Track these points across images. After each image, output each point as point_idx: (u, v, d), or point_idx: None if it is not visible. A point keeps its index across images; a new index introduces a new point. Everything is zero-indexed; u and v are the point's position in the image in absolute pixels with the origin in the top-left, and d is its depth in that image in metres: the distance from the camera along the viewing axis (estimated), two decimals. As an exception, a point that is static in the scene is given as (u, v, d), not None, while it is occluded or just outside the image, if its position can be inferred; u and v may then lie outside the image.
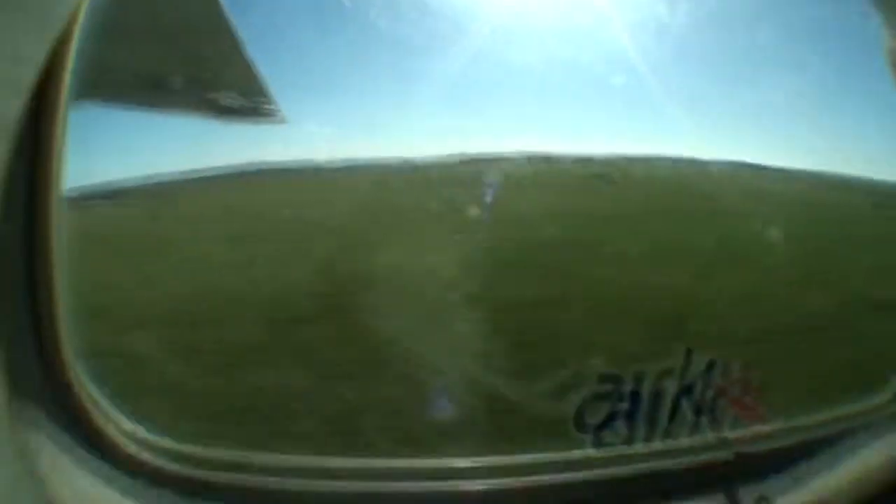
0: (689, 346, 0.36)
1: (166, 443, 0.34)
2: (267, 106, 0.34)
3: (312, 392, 0.35)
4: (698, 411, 0.37)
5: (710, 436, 0.37)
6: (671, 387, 0.36)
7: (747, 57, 0.48)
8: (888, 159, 0.52)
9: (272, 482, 0.34)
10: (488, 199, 0.36)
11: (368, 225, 0.35)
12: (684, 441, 0.37)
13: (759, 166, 0.47)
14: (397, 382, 0.36)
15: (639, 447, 0.36)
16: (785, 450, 0.39)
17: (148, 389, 0.35)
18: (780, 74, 0.48)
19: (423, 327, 0.35)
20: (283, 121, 0.35)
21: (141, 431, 0.34)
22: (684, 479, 0.37)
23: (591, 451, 0.35)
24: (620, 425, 0.35)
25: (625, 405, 0.35)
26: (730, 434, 0.37)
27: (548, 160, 0.39)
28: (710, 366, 0.36)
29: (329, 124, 0.35)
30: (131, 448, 0.34)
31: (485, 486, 0.35)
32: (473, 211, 0.36)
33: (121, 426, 0.34)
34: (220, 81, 0.34)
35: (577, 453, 0.36)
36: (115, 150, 0.35)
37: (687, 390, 0.36)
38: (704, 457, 0.37)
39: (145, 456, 0.34)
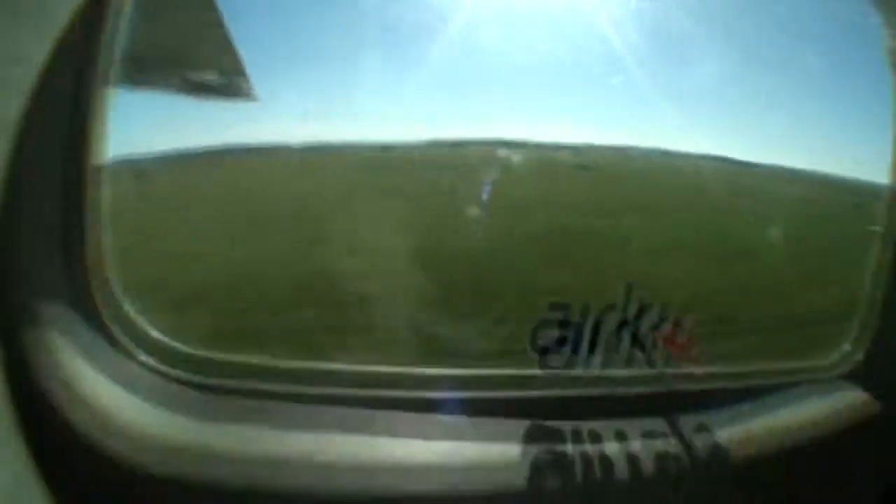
0: (630, 284, 0.41)
1: (183, 349, 0.38)
2: (246, 85, 0.38)
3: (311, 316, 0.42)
4: (638, 346, 0.42)
5: (648, 370, 0.42)
6: (613, 319, 0.41)
7: (740, 53, 0.50)
8: (874, 160, 0.53)
9: (276, 386, 0.38)
10: (462, 182, 0.41)
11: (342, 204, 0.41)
12: (625, 371, 0.42)
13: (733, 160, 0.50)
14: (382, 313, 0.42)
15: (583, 372, 0.41)
16: (729, 391, 0.44)
17: (166, 301, 0.39)
18: (771, 72, 0.51)
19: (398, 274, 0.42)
20: (256, 99, 0.38)
21: (160, 338, 0.38)
22: (627, 404, 0.42)
23: (539, 372, 0.41)
24: (567, 350, 0.41)
25: (570, 332, 0.41)
26: (667, 370, 0.42)
27: (523, 147, 0.44)
28: (647, 307, 0.41)
29: (309, 105, 0.39)
30: (152, 352, 0.38)
31: (450, 396, 0.41)
32: (449, 193, 0.42)
33: (143, 333, 0.38)
34: (202, 60, 0.38)
35: (529, 372, 0.41)
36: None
37: (625, 325, 0.41)
38: (643, 388, 0.42)
39: (163, 359, 0.38)
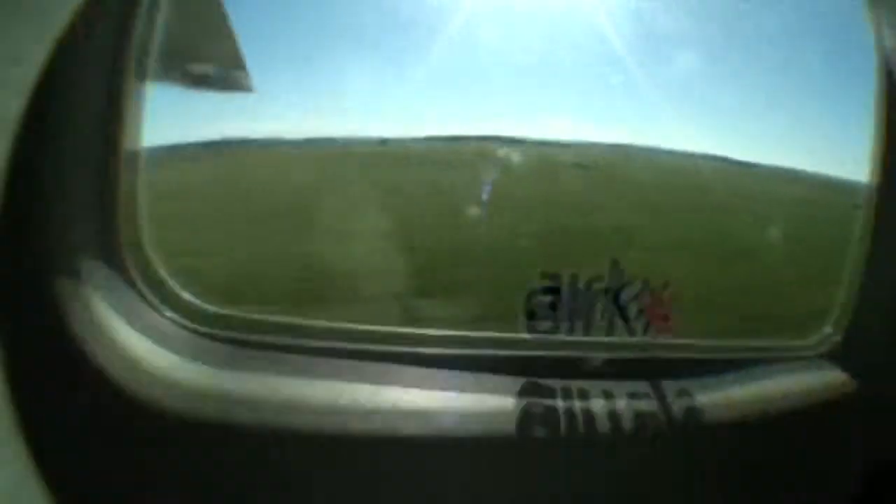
0: (615, 260, 0.43)
1: (208, 308, 0.41)
2: (245, 79, 0.40)
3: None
4: (622, 316, 0.44)
5: (631, 338, 0.44)
6: (598, 287, 0.43)
7: (740, 54, 0.51)
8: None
9: (292, 341, 0.42)
10: (460, 178, 0.43)
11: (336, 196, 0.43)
12: (609, 338, 0.44)
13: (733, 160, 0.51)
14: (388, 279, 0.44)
15: (569, 335, 0.44)
16: (714, 361, 0.47)
17: (193, 266, 0.42)
18: (771, 72, 0.52)
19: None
20: (253, 92, 0.40)
21: (188, 297, 0.41)
22: (612, 367, 0.45)
23: (528, 336, 0.44)
24: (555, 315, 0.43)
25: (558, 298, 0.43)
26: (651, 340, 0.45)
27: (522, 144, 0.45)
28: (630, 279, 0.43)
29: (306, 98, 0.40)
30: (179, 309, 0.40)
31: (448, 353, 0.43)
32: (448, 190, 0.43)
33: (172, 292, 0.41)
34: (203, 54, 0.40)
35: (520, 335, 0.44)
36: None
37: (609, 293, 0.44)
38: (627, 353, 0.45)
39: (189, 315, 0.41)
